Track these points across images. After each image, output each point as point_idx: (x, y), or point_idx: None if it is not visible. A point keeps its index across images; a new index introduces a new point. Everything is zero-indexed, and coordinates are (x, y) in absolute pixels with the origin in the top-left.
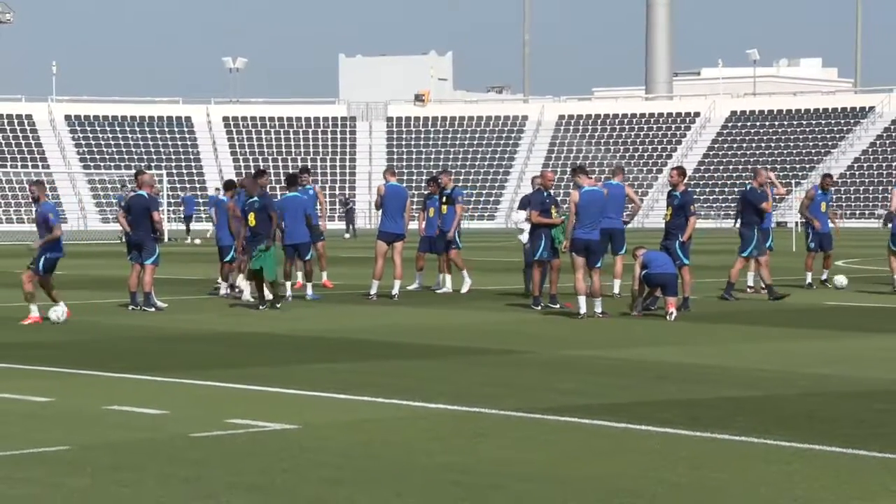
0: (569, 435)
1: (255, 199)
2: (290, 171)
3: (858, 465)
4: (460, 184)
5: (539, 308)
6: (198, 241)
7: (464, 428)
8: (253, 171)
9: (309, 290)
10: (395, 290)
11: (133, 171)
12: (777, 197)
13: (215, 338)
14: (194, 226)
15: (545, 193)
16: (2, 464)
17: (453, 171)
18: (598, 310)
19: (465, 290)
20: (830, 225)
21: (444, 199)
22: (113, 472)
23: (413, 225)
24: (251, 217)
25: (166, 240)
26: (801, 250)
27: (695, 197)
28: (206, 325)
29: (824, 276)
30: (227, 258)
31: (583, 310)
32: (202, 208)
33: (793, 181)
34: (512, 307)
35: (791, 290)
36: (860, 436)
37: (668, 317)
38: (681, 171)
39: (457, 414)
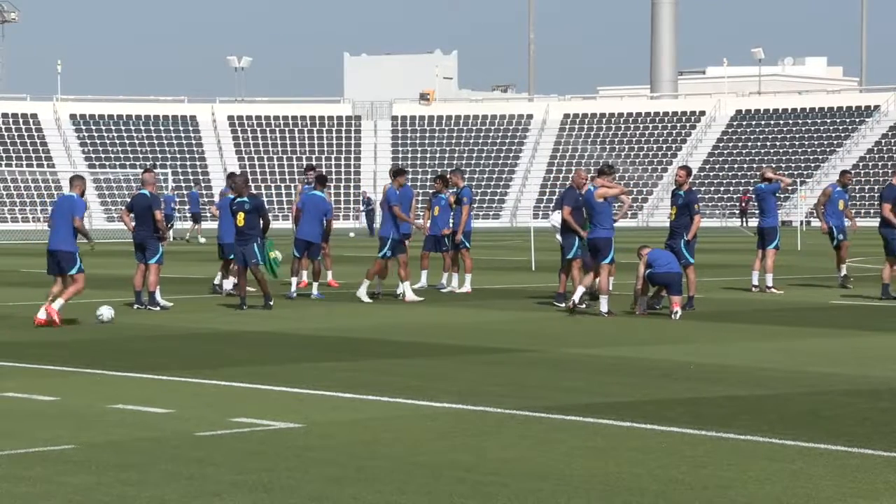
0: (573, 433)
1: (245, 199)
2: (322, 171)
3: (863, 463)
4: (464, 183)
5: (584, 306)
6: (203, 240)
7: (468, 426)
8: (393, 170)
9: (314, 290)
10: (400, 290)
11: (147, 171)
12: (782, 193)
13: (219, 337)
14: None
15: (578, 192)
16: (7, 462)
17: (456, 168)
18: (604, 308)
19: (461, 290)
20: (847, 222)
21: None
22: (117, 471)
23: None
24: (240, 217)
25: (171, 238)
26: (806, 249)
27: (699, 196)
28: (211, 324)
29: (843, 272)
30: (230, 256)
31: (576, 296)
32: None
33: (798, 180)
34: (515, 306)
35: (790, 289)
36: (865, 434)
37: (672, 315)
38: (688, 170)
39: (461, 412)
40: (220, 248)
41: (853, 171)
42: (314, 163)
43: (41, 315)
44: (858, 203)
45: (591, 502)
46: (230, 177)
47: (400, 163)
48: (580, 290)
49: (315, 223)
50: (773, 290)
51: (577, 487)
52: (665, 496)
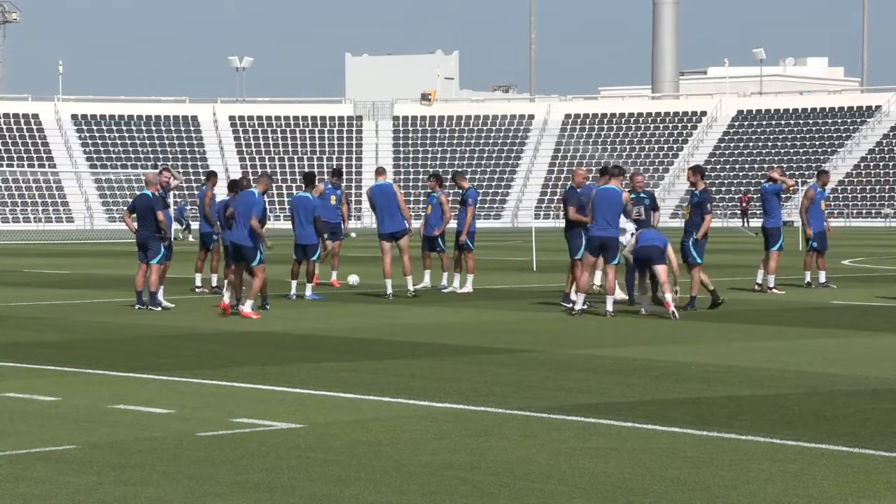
0: (574, 433)
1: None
2: (306, 170)
3: (864, 463)
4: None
5: (585, 307)
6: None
7: (469, 427)
8: (602, 168)
9: (308, 291)
10: (410, 287)
11: (159, 170)
12: (786, 194)
13: (220, 337)
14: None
15: (579, 191)
16: (8, 462)
17: (459, 170)
18: (609, 308)
19: (463, 290)
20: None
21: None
22: (119, 471)
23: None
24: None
25: (172, 238)
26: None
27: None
28: (211, 324)
29: (823, 279)
30: None
31: (578, 306)
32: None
33: (799, 180)
34: (516, 306)
35: (791, 289)
36: (866, 434)
37: (672, 317)
38: (695, 170)
39: (462, 413)
40: (227, 250)
41: (854, 172)
42: (340, 167)
43: (226, 300)
44: (860, 203)
45: (593, 502)
46: (213, 175)
47: (401, 163)
48: (610, 299)
49: (309, 225)
50: (774, 290)
51: (579, 488)
52: (667, 496)
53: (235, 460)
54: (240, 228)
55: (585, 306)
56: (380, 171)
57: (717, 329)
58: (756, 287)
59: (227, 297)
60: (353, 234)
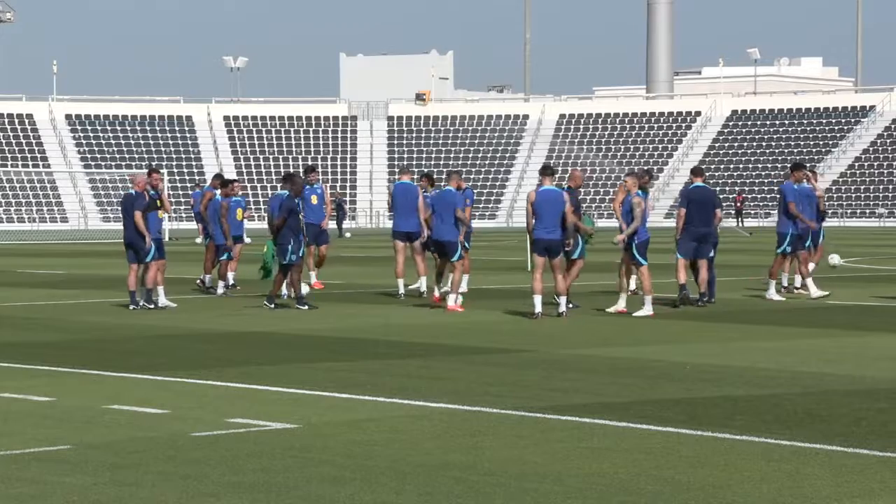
0: (569, 433)
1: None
2: (286, 170)
3: (859, 463)
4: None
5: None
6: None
7: (464, 427)
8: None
9: (304, 290)
10: (423, 287)
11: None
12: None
13: (215, 337)
14: (186, 225)
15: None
16: (2, 463)
17: (455, 170)
18: (562, 309)
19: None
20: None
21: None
22: (113, 471)
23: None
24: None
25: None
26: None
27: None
28: (207, 325)
29: (799, 282)
30: (225, 256)
31: (537, 309)
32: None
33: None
34: (511, 306)
35: (786, 289)
36: (861, 434)
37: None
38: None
39: (457, 413)
40: (217, 249)
41: (849, 172)
42: (313, 164)
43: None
44: (854, 203)
45: (588, 503)
46: (217, 177)
47: (396, 163)
48: (563, 299)
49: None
50: (800, 291)
51: (574, 487)
52: (661, 496)
53: (230, 460)
54: (443, 225)
55: (566, 307)
56: (404, 170)
57: (712, 329)
58: (795, 290)
59: (437, 291)
60: (348, 234)
